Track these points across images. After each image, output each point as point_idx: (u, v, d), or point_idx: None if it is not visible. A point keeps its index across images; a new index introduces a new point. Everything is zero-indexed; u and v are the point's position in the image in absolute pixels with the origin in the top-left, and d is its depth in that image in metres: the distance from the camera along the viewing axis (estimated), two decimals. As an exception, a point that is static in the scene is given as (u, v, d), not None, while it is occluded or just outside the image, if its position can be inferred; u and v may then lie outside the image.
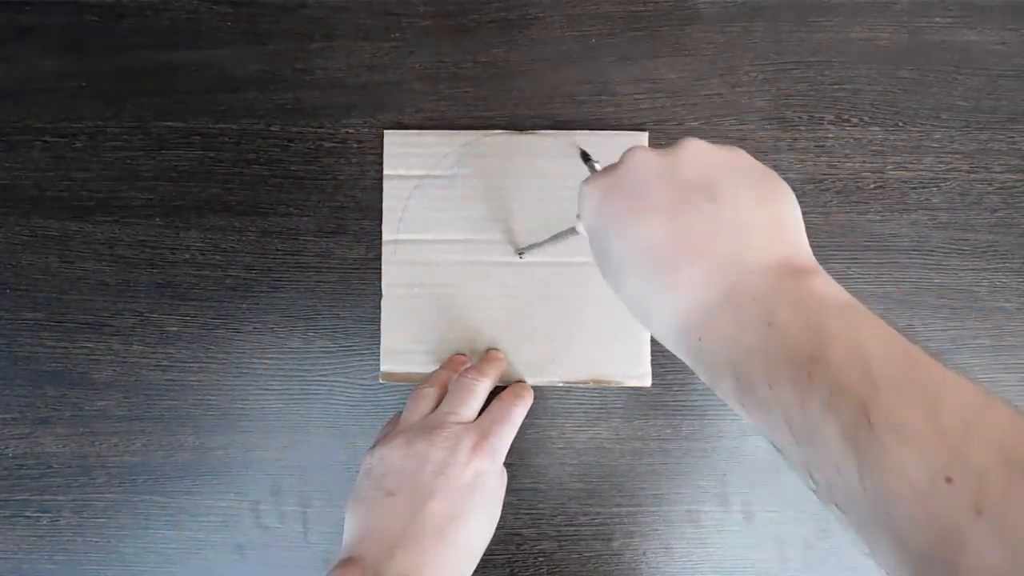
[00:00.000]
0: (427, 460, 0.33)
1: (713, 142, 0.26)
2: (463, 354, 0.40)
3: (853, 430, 0.18)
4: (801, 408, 0.20)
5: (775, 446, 0.22)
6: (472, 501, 0.33)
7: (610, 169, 0.27)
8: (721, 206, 0.24)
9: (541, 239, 0.38)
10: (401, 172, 0.40)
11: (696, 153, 0.25)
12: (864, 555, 0.20)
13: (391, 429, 0.36)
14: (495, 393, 0.38)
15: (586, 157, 0.37)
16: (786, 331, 0.21)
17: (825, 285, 0.22)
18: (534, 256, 0.40)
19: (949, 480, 0.17)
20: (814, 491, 0.20)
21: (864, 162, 0.41)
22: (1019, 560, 0.15)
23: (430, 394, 0.37)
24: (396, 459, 0.33)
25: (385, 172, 0.40)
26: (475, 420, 0.36)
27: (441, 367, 0.39)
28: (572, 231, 0.33)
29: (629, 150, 0.26)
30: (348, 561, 0.30)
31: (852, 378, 0.19)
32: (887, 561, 0.18)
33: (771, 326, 0.21)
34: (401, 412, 0.38)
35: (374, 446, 0.35)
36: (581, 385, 0.40)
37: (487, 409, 0.37)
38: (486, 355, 0.39)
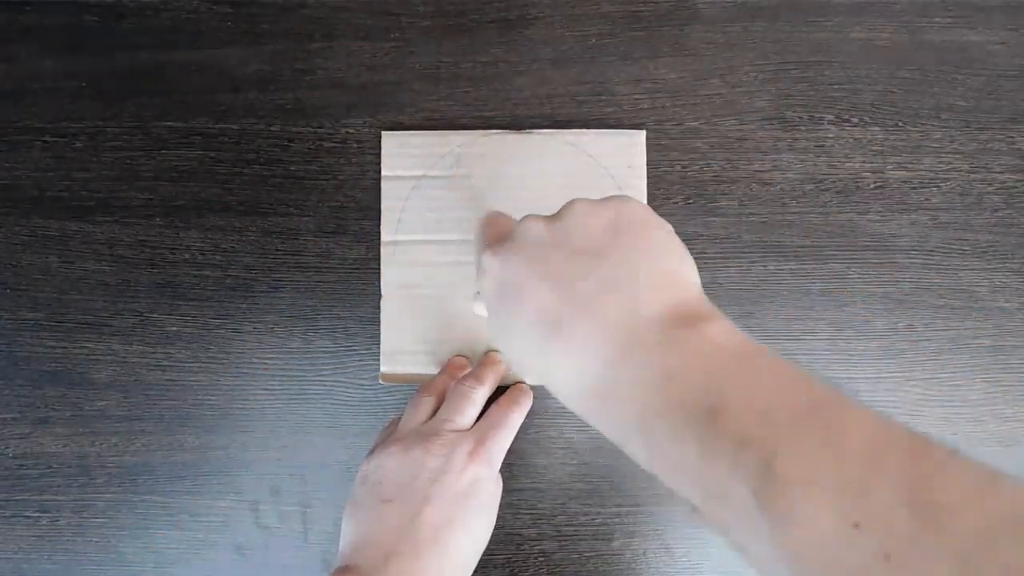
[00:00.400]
0: (423, 467, 0.33)
1: (600, 200, 0.26)
2: (463, 356, 0.40)
3: (759, 486, 0.18)
4: (711, 467, 0.20)
5: (692, 506, 0.21)
6: (468, 507, 0.33)
7: (503, 244, 0.27)
8: (608, 264, 0.24)
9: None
10: (399, 173, 0.40)
11: (581, 215, 0.26)
12: None
13: (388, 435, 0.37)
14: (498, 392, 0.38)
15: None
16: (685, 385, 0.21)
17: (721, 331, 0.22)
18: None
19: (856, 526, 0.16)
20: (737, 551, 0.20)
21: (864, 162, 0.41)
22: None
23: (428, 402, 0.37)
24: (392, 466, 0.33)
25: (383, 173, 0.40)
26: (472, 426, 0.36)
27: (440, 373, 0.39)
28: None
29: (520, 222, 0.27)
30: (344, 569, 0.30)
31: (754, 430, 0.19)
32: None
33: (670, 380, 0.21)
34: (397, 416, 0.38)
35: (371, 452, 0.35)
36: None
37: (484, 415, 0.37)
38: (484, 358, 0.39)
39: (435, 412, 0.36)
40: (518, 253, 0.26)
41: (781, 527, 0.18)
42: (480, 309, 0.31)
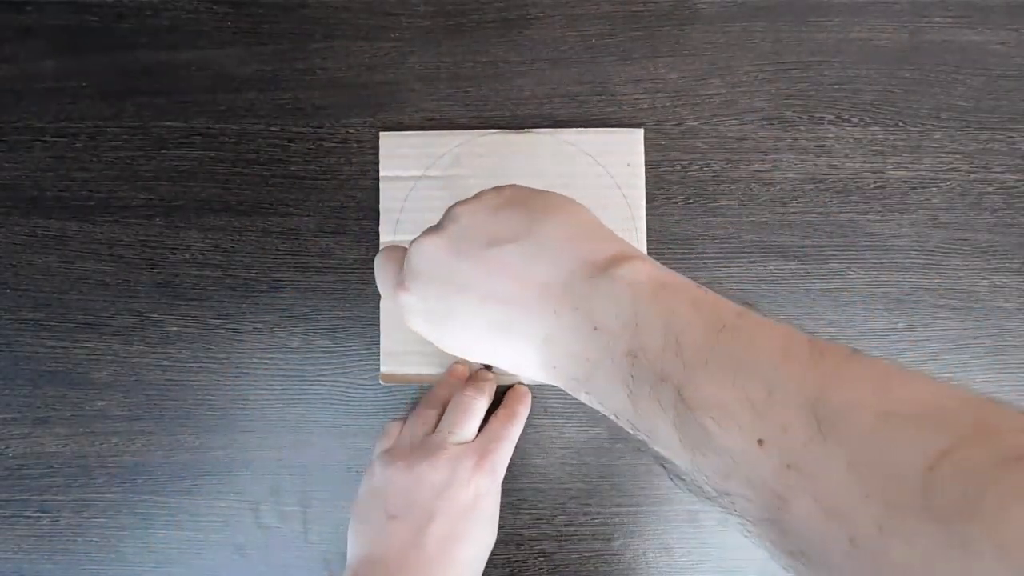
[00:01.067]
0: (428, 482, 0.33)
1: (475, 196, 0.27)
2: (463, 363, 0.40)
3: (675, 416, 0.19)
4: (639, 409, 0.21)
5: (652, 456, 0.22)
6: (473, 520, 0.33)
7: (407, 277, 0.26)
8: (516, 244, 0.24)
9: None
10: (398, 173, 0.40)
11: (468, 214, 0.26)
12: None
13: (388, 443, 0.37)
14: (497, 400, 0.38)
15: None
16: (608, 331, 0.21)
17: (631, 269, 0.22)
18: None
19: (761, 443, 0.17)
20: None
21: (864, 162, 0.41)
22: (831, 506, 0.16)
23: (431, 416, 0.37)
24: (398, 482, 0.34)
25: (381, 173, 0.40)
26: (474, 439, 0.36)
27: (439, 385, 0.39)
28: None
29: (412, 249, 0.26)
30: None
31: (668, 365, 0.20)
32: (746, 534, 0.19)
33: (597, 330, 0.22)
34: (394, 419, 0.38)
35: (373, 464, 0.35)
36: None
37: (484, 428, 0.37)
38: (477, 374, 0.39)
39: (437, 423, 0.37)
40: (427, 279, 0.26)
41: (699, 450, 0.19)
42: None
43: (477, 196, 0.26)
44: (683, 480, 0.21)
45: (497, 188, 0.27)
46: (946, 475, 0.14)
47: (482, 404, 0.37)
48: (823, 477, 0.16)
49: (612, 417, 0.23)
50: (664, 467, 0.22)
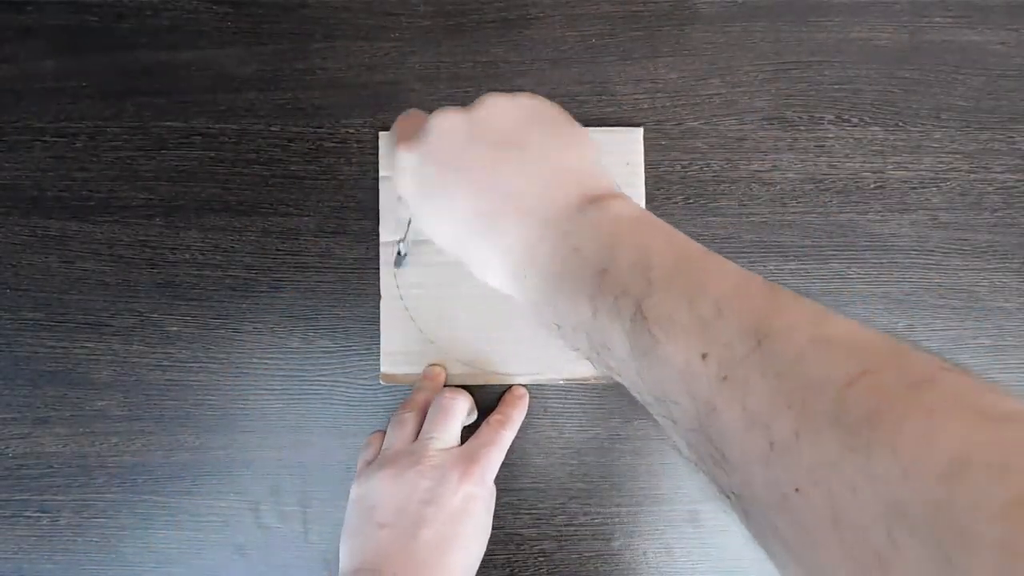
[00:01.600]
0: (416, 489, 0.33)
1: (511, 94, 0.27)
2: (437, 364, 0.39)
3: (631, 328, 0.21)
4: (598, 320, 0.22)
5: (597, 368, 0.24)
6: (463, 526, 0.33)
7: (418, 138, 0.26)
8: (528, 155, 0.25)
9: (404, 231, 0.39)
10: None
11: (497, 108, 0.26)
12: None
13: (372, 453, 0.37)
14: (492, 406, 0.38)
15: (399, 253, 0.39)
16: (586, 252, 0.23)
17: (621, 205, 0.24)
18: None
19: (704, 357, 0.19)
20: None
21: (864, 162, 0.41)
22: (755, 412, 0.18)
23: (411, 419, 0.37)
24: (385, 490, 0.34)
25: (381, 173, 0.40)
26: (463, 444, 0.36)
27: (416, 390, 0.39)
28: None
29: (434, 116, 0.27)
30: None
31: (633, 281, 0.21)
32: (673, 443, 0.21)
33: (576, 251, 0.23)
34: (377, 431, 0.38)
35: (360, 474, 0.35)
36: (583, 382, 0.40)
37: (476, 433, 0.37)
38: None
39: (419, 427, 0.37)
40: (437, 147, 0.26)
41: (647, 363, 0.20)
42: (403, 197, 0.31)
43: (517, 96, 0.27)
44: (624, 384, 0.23)
45: (534, 97, 0.27)
46: (860, 391, 0.16)
47: (461, 405, 0.37)
48: (753, 388, 0.18)
49: (565, 330, 0.24)
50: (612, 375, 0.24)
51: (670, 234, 0.23)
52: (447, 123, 0.26)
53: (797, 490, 0.16)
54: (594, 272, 0.22)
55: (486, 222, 0.25)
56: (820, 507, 0.16)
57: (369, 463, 0.36)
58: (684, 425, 0.20)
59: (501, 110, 0.26)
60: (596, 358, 0.23)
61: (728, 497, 0.19)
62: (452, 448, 0.35)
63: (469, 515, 0.33)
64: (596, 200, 0.24)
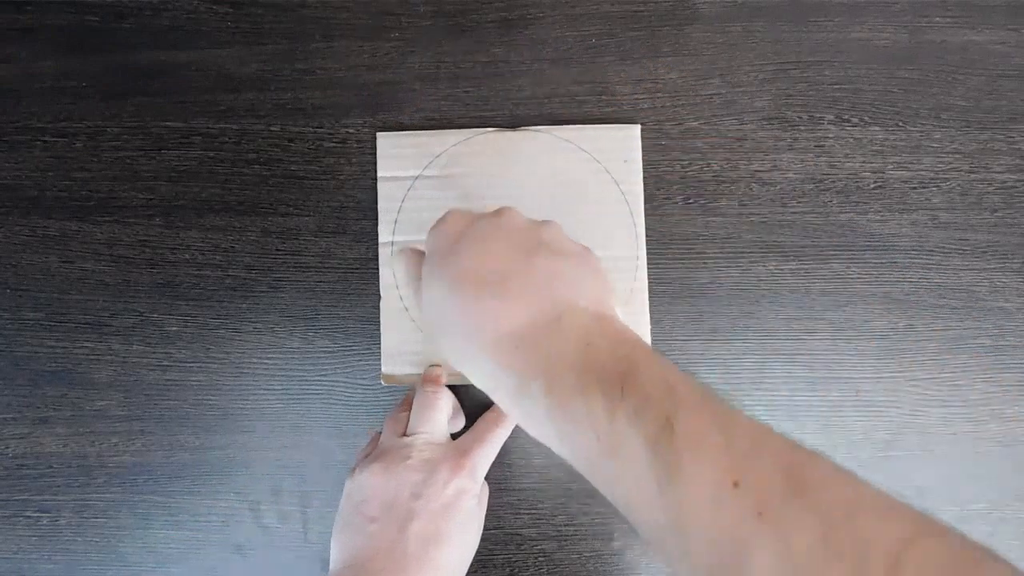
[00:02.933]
0: (405, 483, 0.33)
1: (486, 216, 0.29)
2: (437, 365, 0.40)
3: (656, 439, 0.20)
4: (610, 418, 0.22)
5: (577, 466, 0.24)
6: (453, 520, 0.33)
7: (452, 246, 0.28)
8: (565, 262, 0.27)
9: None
10: (395, 173, 0.40)
11: (521, 219, 0.29)
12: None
13: (371, 450, 0.37)
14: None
15: None
16: (601, 352, 0.24)
17: (627, 328, 0.26)
18: None
19: (736, 484, 0.19)
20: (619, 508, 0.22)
21: (864, 162, 0.41)
22: (796, 561, 0.17)
23: (404, 418, 0.37)
24: (375, 484, 0.34)
25: (379, 174, 0.40)
26: (455, 439, 0.36)
27: (414, 389, 0.39)
28: None
29: (500, 213, 0.29)
30: None
31: (659, 394, 0.21)
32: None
33: (589, 346, 0.24)
34: (377, 432, 0.38)
35: (354, 470, 0.35)
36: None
37: (471, 428, 0.37)
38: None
39: None
40: (426, 296, 0.28)
41: (668, 478, 0.20)
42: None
43: (494, 219, 0.29)
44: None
45: (548, 224, 0.29)
46: (914, 558, 0.16)
47: (443, 398, 0.37)
48: (796, 530, 0.18)
49: (553, 416, 0.24)
50: (583, 470, 0.24)
51: (677, 369, 0.24)
52: (511, 217, 0.29)
53: None
54: (613, 374, 0.22)
55: (507, 281, 0.26)
56: None
57: (362, 458, 0.36)
58: (707, 562, 0.19)
59: (522, 220, 0.29)
60: (597, 456, 0.22)
61: None
62: (443, 443, 0.35)
63: (459, 509, 0.33)
64: (607, 317, 0.26)
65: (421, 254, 0.31)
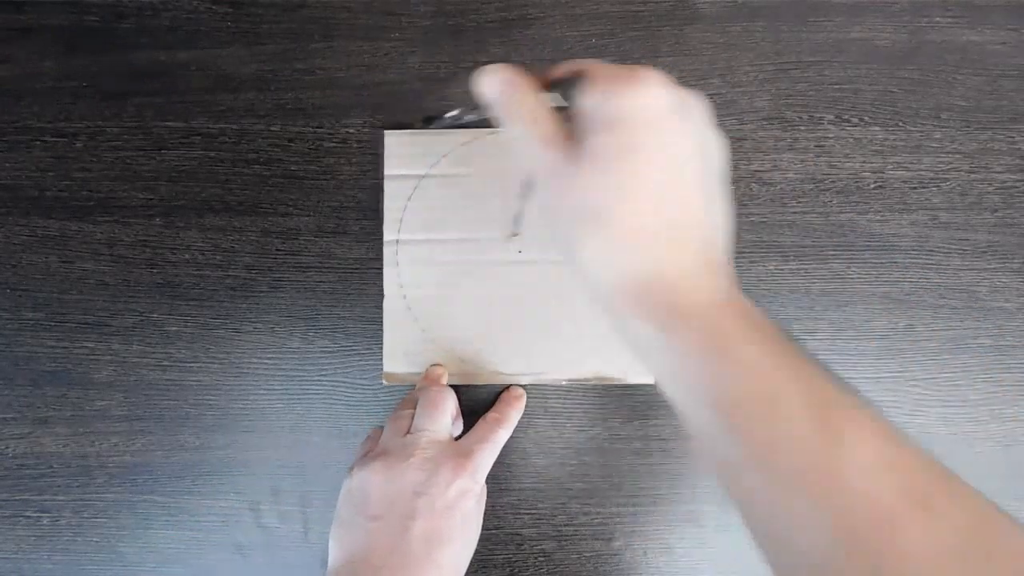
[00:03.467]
0: (408, 482, 0.33)
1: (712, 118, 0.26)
2: (439, 365, 0.40)
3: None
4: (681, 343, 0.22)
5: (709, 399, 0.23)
6: (454, 520, 0.33)
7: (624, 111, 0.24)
8: (706, 210, 0.25)
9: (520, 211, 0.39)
10: (402, 172, 0.40)
11: (704, 119, 0.25)
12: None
13: (370, 448, 0.37)
14: (491, 404, 0.38)
15: (429, 120, 0.38)
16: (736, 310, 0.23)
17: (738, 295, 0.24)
18: (534, 254, 0.40)
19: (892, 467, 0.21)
20: None
21: (864, 162, 0.41)
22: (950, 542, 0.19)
23: (407, 415, 0.37)
24: (377, 483, 0.33)
25: (386, 172, 0.40)
26: (457, 439, 0.36)
27: (417, 388, 0.39)
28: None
29: (642, 86, 0.23)
30: None
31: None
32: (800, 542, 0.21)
33: (728, 305, 0.23)
34: (376, 428, 0.38)
35: (352, 468, 0.35)
36: (584, 383, 0.40)
37: (472, 429, 0.37)
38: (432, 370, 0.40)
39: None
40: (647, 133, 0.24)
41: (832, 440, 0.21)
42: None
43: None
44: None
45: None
46: None
47: (448, 397, 0.37)
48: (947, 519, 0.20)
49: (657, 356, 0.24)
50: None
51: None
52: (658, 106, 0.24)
53: None
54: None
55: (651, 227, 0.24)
56: None
57: (363, 456, 0.36)
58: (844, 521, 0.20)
59: (705, 121, 0.25)
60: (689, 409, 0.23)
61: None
62: (445, 442, 0.35)
63: (460, 510, 0.33)
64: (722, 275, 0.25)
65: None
